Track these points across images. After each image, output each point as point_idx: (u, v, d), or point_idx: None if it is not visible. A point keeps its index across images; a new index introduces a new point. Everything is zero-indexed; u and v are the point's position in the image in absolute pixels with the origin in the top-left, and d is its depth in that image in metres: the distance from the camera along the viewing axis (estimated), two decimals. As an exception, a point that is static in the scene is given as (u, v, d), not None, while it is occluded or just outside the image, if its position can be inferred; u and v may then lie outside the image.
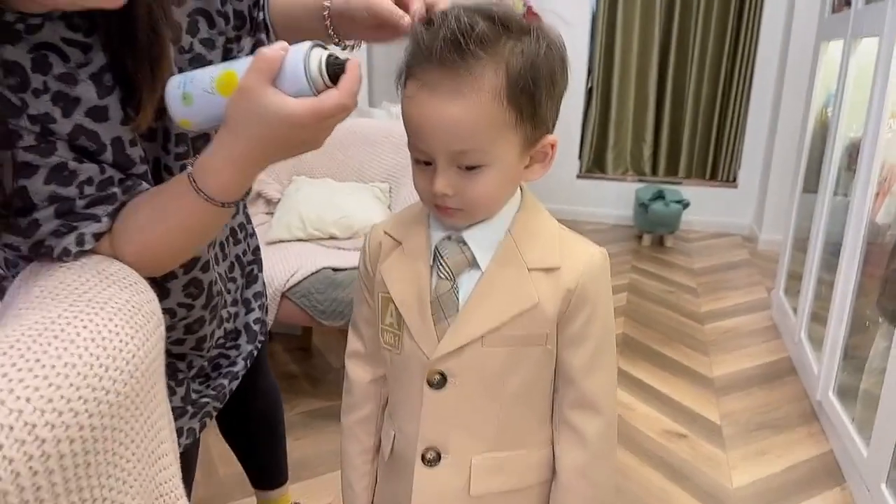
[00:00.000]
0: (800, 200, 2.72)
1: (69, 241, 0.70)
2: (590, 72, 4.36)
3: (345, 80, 0.64)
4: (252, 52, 0.89)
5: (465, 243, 0.73)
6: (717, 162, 4.32)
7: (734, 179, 4.25)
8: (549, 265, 0.72)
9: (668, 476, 1.82)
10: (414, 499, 0.77)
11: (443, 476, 0.76)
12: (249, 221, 1.15)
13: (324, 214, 2.11)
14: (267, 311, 1.19)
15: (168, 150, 0.82)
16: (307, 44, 0.64)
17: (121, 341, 0.57)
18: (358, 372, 0.86)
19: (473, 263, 0.73)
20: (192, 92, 0.68)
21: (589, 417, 0.75)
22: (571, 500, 0.76)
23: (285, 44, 0.65)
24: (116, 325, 0.58)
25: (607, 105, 4.43)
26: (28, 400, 0.47)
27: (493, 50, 0.63)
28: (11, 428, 0.45)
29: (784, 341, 2.65)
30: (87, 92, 0.70)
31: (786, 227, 2.85)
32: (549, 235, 0.75)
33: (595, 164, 4.56)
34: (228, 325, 1.07)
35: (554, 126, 0.72)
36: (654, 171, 4.48)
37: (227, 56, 0.87)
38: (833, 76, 2.33)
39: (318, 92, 0.64)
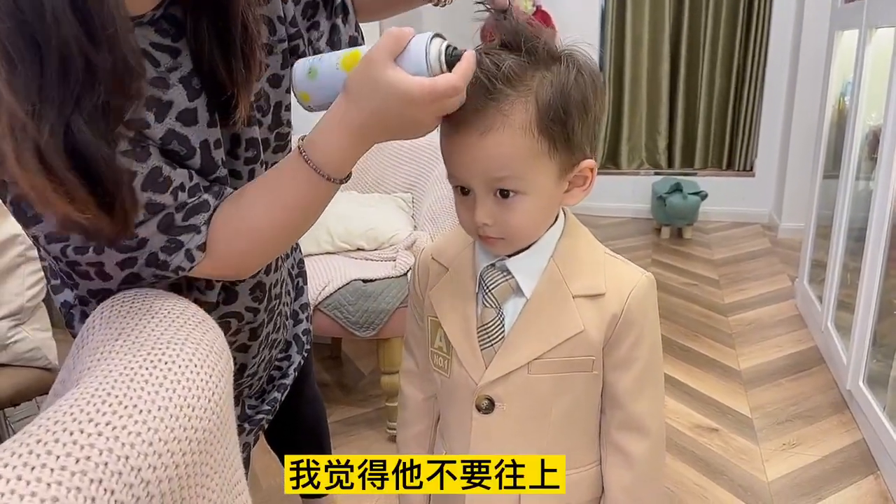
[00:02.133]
0: (821, 187, 2.72)
1: (180, 259, 0.73)
2: (601, 67, 4.37)
3: (460, 65, 0.64)
4: (330, 35, 0.90)
5: (508, 272, 0.74)
6: (733, 151, 4.31)
7: (751, 168, 4.24)
8: (594, 292, 0.73)
9: (702, 471, 1.85)
10: None
11: (494, 497, 0.78)
12: None
13: (351, 227, 2.14)
14: (311, 321, 1.24)
15: (237, 155, 0.84)
16: (430, 33, 0.67)
17: (202, 380, 0.61)
18: (412, 390, 0.89)
19: (518, 291, 0.75)
20: (318, 67, 0.71)
21: (636, 439, 0.76)
22: None
23: (412, 28, 0.67)
24: (196, 365, 0.62)
25: (620, 99, 4.44)
26: (132, 446, 0.50)
27: (521, 85, 0.65)
28: (120, 473, 0.49)
29: (810, 330, 2.65)
30: (178, 95, 0.73)
31: (807, 215, 2.85)
32: (593, 261, 0.76)
33: (609, 158, 4.57)
34: (286, 337, 1.11)
35: (593, 150, 0.73)
36: (670, 164, 4.48)
37: (285, 59, 0.88)
38: (849, 65, 2.34)
39: (434, 76, 0.66)
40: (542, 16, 3.99)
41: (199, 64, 0.74)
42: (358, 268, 2.03)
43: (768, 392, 2.25)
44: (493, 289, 0.75)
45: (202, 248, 0.74)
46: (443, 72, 0.65)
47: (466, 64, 0.63)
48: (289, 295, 1.10)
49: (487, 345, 0.75)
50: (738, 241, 3.89)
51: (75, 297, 0.89)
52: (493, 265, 0.75)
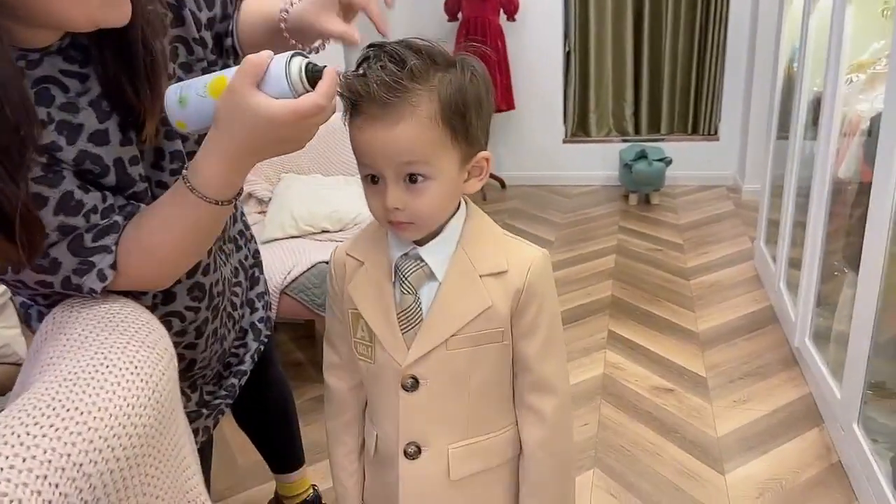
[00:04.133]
0: (775, 148, 2.79)
1: (92, 279, 0.78)
2: (566, 36, 4.39)
3: (321, 84, 0.69)
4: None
5: (421, 259, 0.82)
6: (697, 116, 4.38)
7: (715, 132, 4.32)
8: (498, 269, 0.82)
9: (656, 430, 1.95)
10: (401, 488, 0.87)
11: (425, 466, 0.86)
12: (248, 228, 1.25)
13: (314, 210, 2.20)
14: (271, 309, 1.30)
15: (162, 167, 0.89)
16: (290, 53, 0.71)
17: (141, 380, 0.67)
18: (337, 382, 0.95)
19: (431, 276, 0.82)
20: (187, 95, 0.76)
21: (546, 398, 0.86)
22: (537, 471, 0.88)
23: (270, 52, 0.71)
24: (136, 367, 0.68)
25: (586, 67, 4.47)
26: (74, 444, 0.57)
27: (425, 82, 0.72)
28: (63, 469, 0.55)
29: (766, 290, 2.76)
30: (88, 118, 0.78)
31: (762, 176, 2.93)
32: (495, 242, 0.84)
33: (579, 127, 4.63)
34: (239, 325, 1.17)
35: (486, 144, 0.81)
36: (637, 130, 4.55)
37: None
38: (797, 32, 2.40)
39: (299, 95, 0.70)
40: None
41: (108, 87, 0.79)
42: (322, 250, 2.09)
43: (723, 352, 2.35)
44: (408, 276, 0.82)
45: (114, 266, 0.79)
46: (306, 90, 0.70)
47: (328, 81, 0.69)
48: (240, 286, 1.16)
49: (408, 328, 0.83)
50: (704, 205, 3.98)
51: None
52: (406, 255, 0.83)
